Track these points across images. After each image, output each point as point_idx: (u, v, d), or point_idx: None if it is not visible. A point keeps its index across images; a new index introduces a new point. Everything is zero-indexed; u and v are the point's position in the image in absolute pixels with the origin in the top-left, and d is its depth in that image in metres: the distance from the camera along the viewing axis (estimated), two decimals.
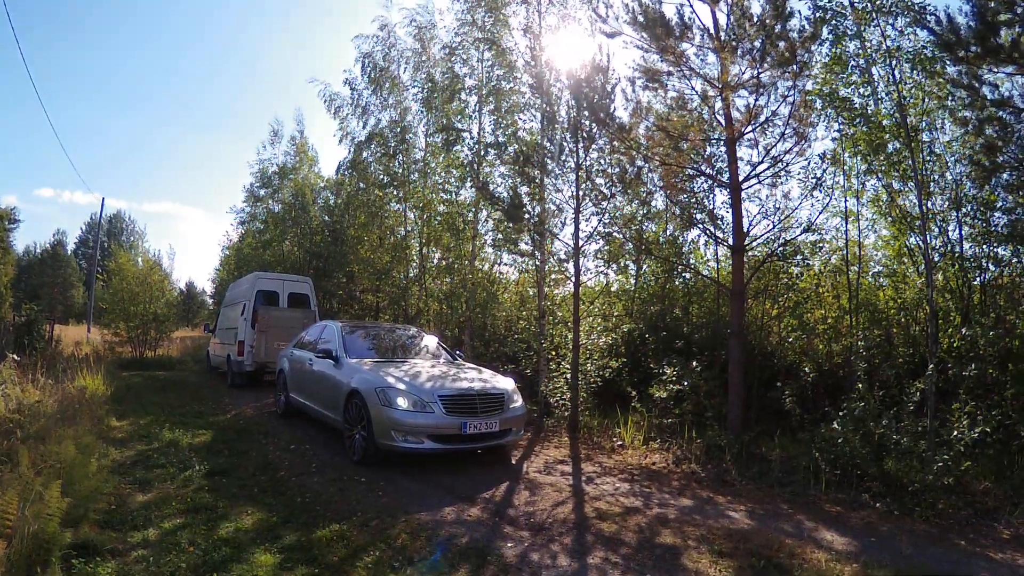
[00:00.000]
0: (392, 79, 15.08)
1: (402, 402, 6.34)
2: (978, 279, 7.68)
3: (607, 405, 9.52)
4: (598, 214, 9.14)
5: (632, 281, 11.92)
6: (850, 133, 7.92)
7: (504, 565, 4.02)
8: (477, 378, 7.22)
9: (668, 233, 11.10)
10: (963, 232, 7.70)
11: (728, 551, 4.32)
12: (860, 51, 7.48)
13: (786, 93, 7.21)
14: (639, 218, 10.44)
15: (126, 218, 64.99)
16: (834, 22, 7.37)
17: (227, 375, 14.21)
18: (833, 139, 8.19)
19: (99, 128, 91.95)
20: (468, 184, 13.01)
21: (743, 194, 7.83)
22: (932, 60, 6.89)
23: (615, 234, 9.68)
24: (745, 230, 7.82)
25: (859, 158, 8.31)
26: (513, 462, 7.05)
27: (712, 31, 7.48)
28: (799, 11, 7.07)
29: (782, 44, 6.87)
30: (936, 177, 7.79)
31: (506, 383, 7.33)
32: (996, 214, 7.41)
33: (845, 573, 4.01)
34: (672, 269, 10.72)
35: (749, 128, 7.49)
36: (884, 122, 7.60)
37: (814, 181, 7.83)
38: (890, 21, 7.16)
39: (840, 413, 6.22)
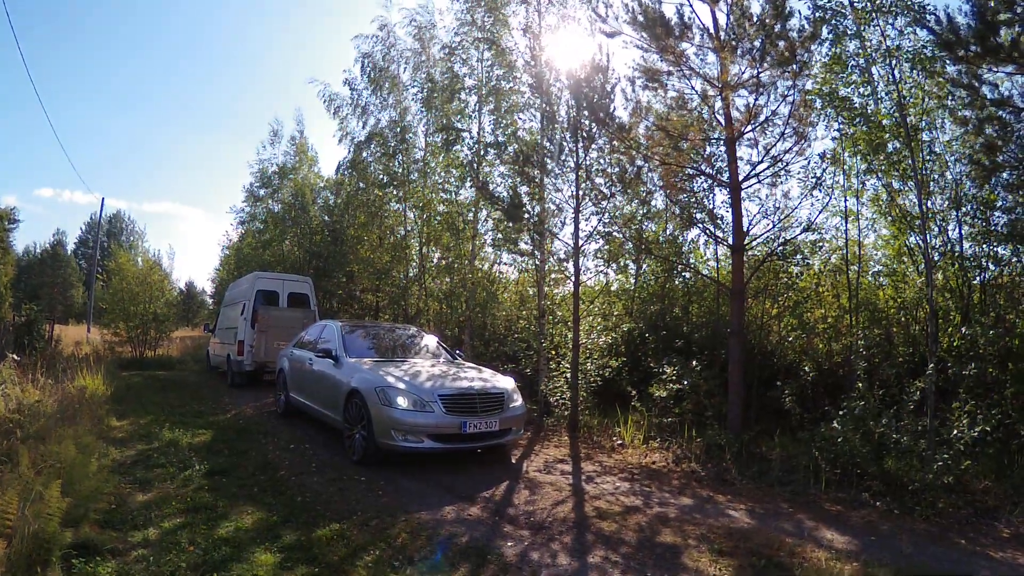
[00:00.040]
0: (392, 79, 15.09)
1: (402, 401, 6.34)
2: (978, 278, 7.69)
3: (607, 404, 9.53)
4: (598, 213, 9.16)
5: (632, 280, 11.92)
6: (850, 132, 7.92)
7: (504, 564, 4.02)
8: (477, 377, 7.22)
9: (668, 232, 11.10)
10: (963, 231, 7.70)
11: (728, 550, 4.32)
12: (860, 51, 7.49)
13: (786, 93, 7.21)
14: (639, 218, 10.44)
15: (126, 218, 64.97)
16: (834, 22, 7.38)
17: (227, 375, 14.21)
18: (833, 138, 8.21)
19: (99, 128, 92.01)
20: (468, 184, 13.02)
21: (743, 193, 7.84)
22: (932, 59, 6.89)
23: (615, 234, 9.69)
24: (745, 229, 7.82)
25: (859, 157, 8.31)
26: (513, 461, 7.05)
27: (712, 31, 7.48)
28: (799, 11, 7.12)
29: (782, 44, 6.87)
30: (936, 176, 7.79)
31: (506, 382, 7.33)
32: (996, 213, 7.41)
33: (845, 572, 4.01)
34: (672, 268, 10.73)
35: (749, 128, 7.49)
36: (884, 121, 7.60)
37: (814, 180, 7.84)
38: (890, 21, 7.17)
39: (840, 412, 6.22)
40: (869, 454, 5.84)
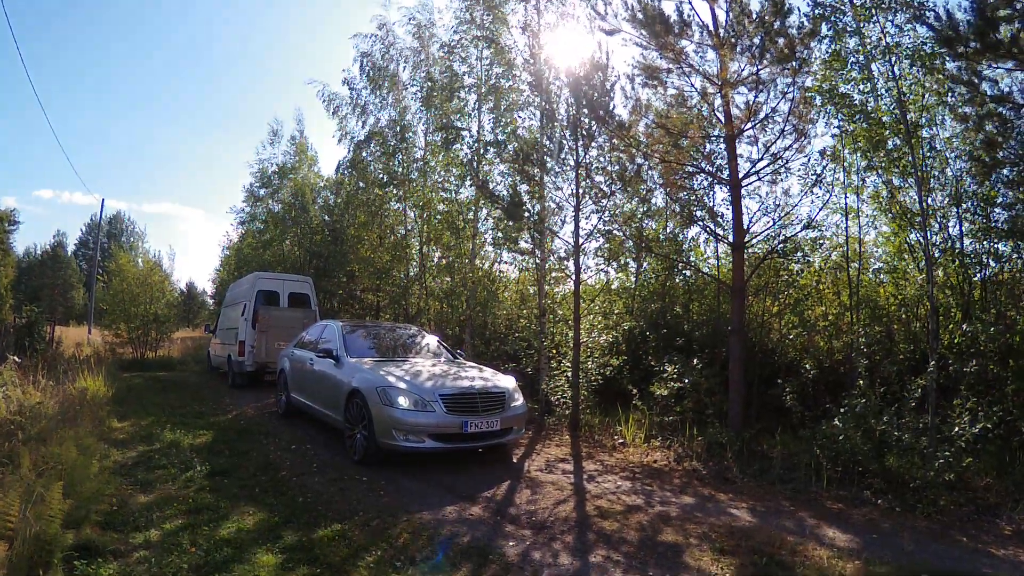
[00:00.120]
0: (391, 78, 15.08)
1: (403, 401, 6.34)
2: (978, 275, 7.68)
3: (608, 403, 9.52)
4: (598, 212, 9.16)
5: (632, 279, 11.92)
6: (850, 129, 7.91)
7: (506, 564, 4.02)
8: (478, 377, 7.22)
9: (668, 230, 11.09)
10: (963, 228, 7.69)
11: (730, 548, 4.32)
12: (859, 47, 7.48)
13: (786, 90, 7.20)
14: (639, 216, 10.44)
15: (126, 219, 64.87)
16: (833, 18, 7.37)
17: (228, 375, 14.21)
18: (833, 135, 8.21)
19: (98, 129, 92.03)
20: (468, 183, 13.02)
21: (743, 191, 7.83)
22: (931, 56, 6.88)
23: (615, 232, 9.68)
24: (745, 227, 7.82)
25: (859, 154, 8.30)
26: (514, 461, 7.05)
27: (711, 28, 7.47)
28: (798, 7, 7.05)
29: (781, 41, 6.86)
30: (936, 173, 7.78)
31: (507, 382, 7.32)
32: (996, 210, 7.40)
33: (847, 570, 4.01)
34: (672, 266, 10.73)
35: (749, 125, 7.48)
36: (884, 118, 7.59)
37: (814, 178, 7.83)
38: (889, 17, 7.16)
39: (841, 410, 6.22)
40: (870, 452, 5.83)
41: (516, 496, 5.61)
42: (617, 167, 8.69)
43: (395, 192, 15.19)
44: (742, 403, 7.60)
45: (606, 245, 10.25)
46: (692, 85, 7.89)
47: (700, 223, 9.03)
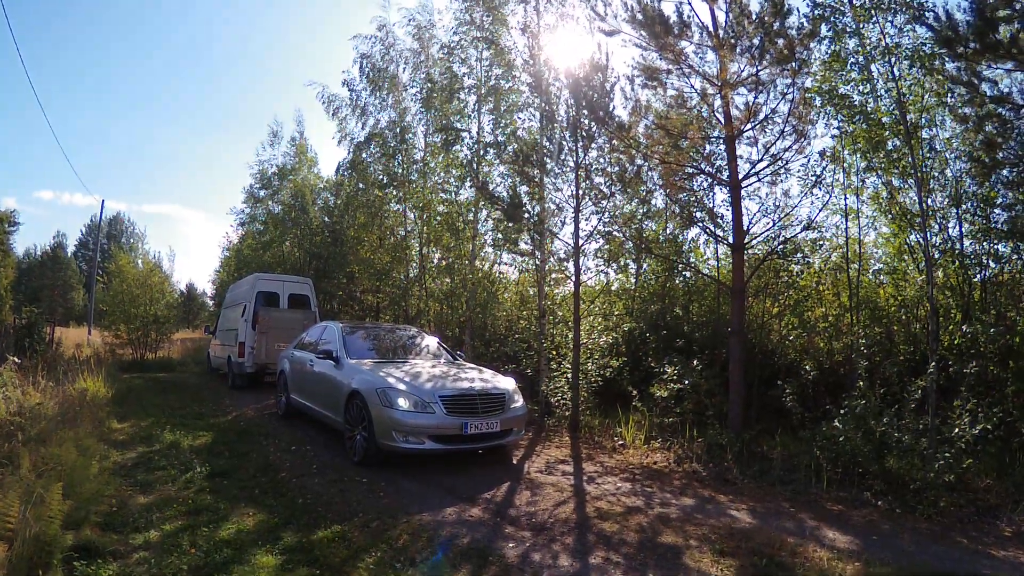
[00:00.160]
0: (391, 79, 15.08)
1: (403, 403, 6.34)
2: (978, 276, 7.68)
3: (608, 404, 9.52)
4: (598, 213, 9.16)
5: (632, 280, 11.92)
6: (849, 130, 7.92)
7: (506, 565, 4.01)
8: (478, 378, 7.21)
9: (668, 232, 11.10)
10: (963, 229, 7.70)
11: (730, 550, 4.31)
12: (859, 48, 7.48)
13: (785, 91, 7.21)
14: (639, 217, 10.44)
15: (126, 220, 64.90)
16: (833, 19, 7.37)
17: (228, 377, 14.21)
18: (833, 136, 8.22)
19: (98, 130, 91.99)
20: (468, 184, 13.03)
21: (743, 192, 7.83)
22: (931, 57, 6.88)
23: (615, 233, 9.68)
24: (745, 228, 7.82)
25: (859, 155, 8.31)
26: (514, 462, 7.05)
27: (711, 29, 7.47)
28: (798, 8, 7.07)
29: (781, 41, 6.86)
30: (936, 174, 7.79)
31: (507, 383, 7.32)
32: (996, 210, 7.40)
33: (847, 571, 4.01)
34: (672, 268, 10.72)
35: (748, 126, 7.48)
36: (883, 119, 7.60)
37: (814, 179, 7.85)
38: (889, 18, 7.16)
39: (841, 411, 6.21)
40: (870, 453, 5.83)
41: (516, 498, 5.60)
42: (617, 168, 8.69)
43: (395, 193, 15.19)
44: (742, 404, 7.60)
45: (606, 246, 10.24)
46: (692, 86, 7.90)
47: (700, 224, 9.04)
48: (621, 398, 9.19)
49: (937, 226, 7.79)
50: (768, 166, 7.61)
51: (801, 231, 8.15)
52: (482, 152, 12.25)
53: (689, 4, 7.49)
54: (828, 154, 7.96)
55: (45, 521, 3.67)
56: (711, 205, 9.25)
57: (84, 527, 4.21)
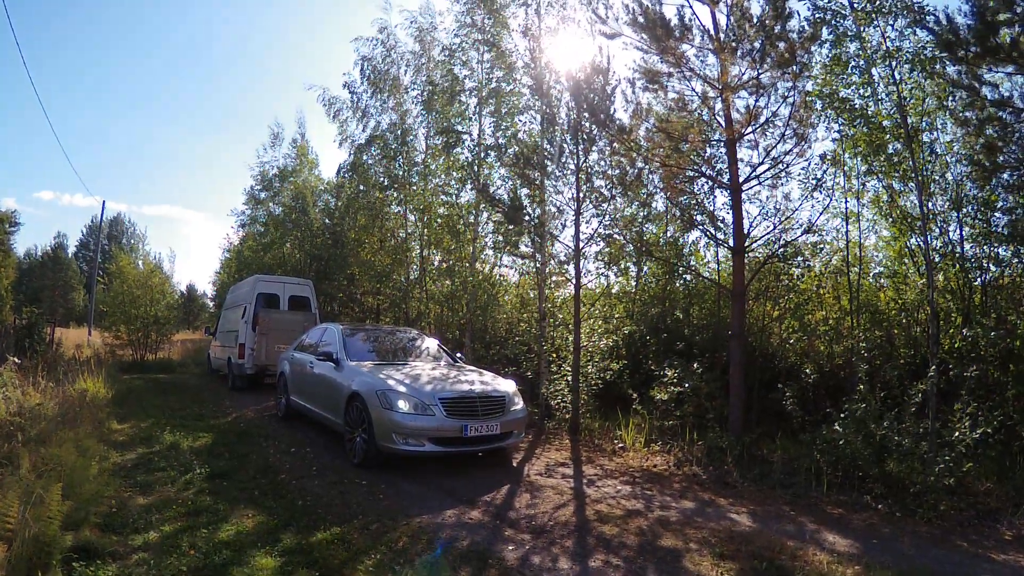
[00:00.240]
0: (392, 81, 15.11)
1: (403, 405, 6.34)
2: (979, 279, 7.68)
3: (608, 407, 9.52)
4: (598, 216, 9.14)
5: (633, 283, 11.92)
6: (850, 134, 7.92)
7: (505, 568, 4.01)
8: (478, 380, 7.21)
9: (669, 235, 11.09)
10: (964, 232, 7.70)
11: (730, 553, 4.31)
12: (860, 52, 7.49)
13: (786, 94, 7.22)
14: (639, 220, 10.45)
15: (126, 221, 64.93)
16: (834, 23, 7.37)
17: (228, 378, 14.22)
18: (833, 140, 8.21)
19: (99, 130, 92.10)
20: (468, 186, 13.04)
21: (743, 195, 7.84)
22: (932, 60, 6.89)
23: (616, 236, 9.69)
24: (746, 231, 7.82)
25: (859, 159, 8.32)
26: (514, 464, 7.04)
27: (712, 32, 7.49)
28: (798, 12, 7.09)
29: (782, 45, 6.88)
30: (936, 177, 7.78)
31: (507, 385, 7.32)
32: (996, 214, 7.40)
33: (847, 575, 4.00)
34: (673, 271, 10.72)
35: (749, 129, 7.49)
36: (884, 123, 7.60)
37: (814, 182, 7.85)
38: (890, 22, 7.17)
39: (841, 414, 6.21)
40: (871, 456, 5.82)
41: (516, 500, 5.59)
42: (618, 171, 8.70)
43: (396, 195, 15.20)
44: (742, 407, 7.60)
45: (606, 249, 10.25)
46: (693, 89, 7.91)
47: (700, 227, 9.03)
48: (621, 401, 9.18)
49: (938, 230, 7.79)
50: (769, 169, 7.62)
51: (802, 234, 8.15)
52: (483, 155, 12.27)
53: (690, 7, 7.50)
54: (829, 157, 7.97)
55: (44, 522, 3.67)
56: (712, 208, 9.24)
57: (83, 528, 4.21)
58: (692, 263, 10.93)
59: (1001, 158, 6.35)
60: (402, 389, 6.52)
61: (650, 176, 8.94)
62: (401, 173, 14.89)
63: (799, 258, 8.45)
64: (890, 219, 8.32)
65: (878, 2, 7.07)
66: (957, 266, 7.64)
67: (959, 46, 5.84)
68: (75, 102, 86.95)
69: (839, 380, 8.02)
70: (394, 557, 4.10)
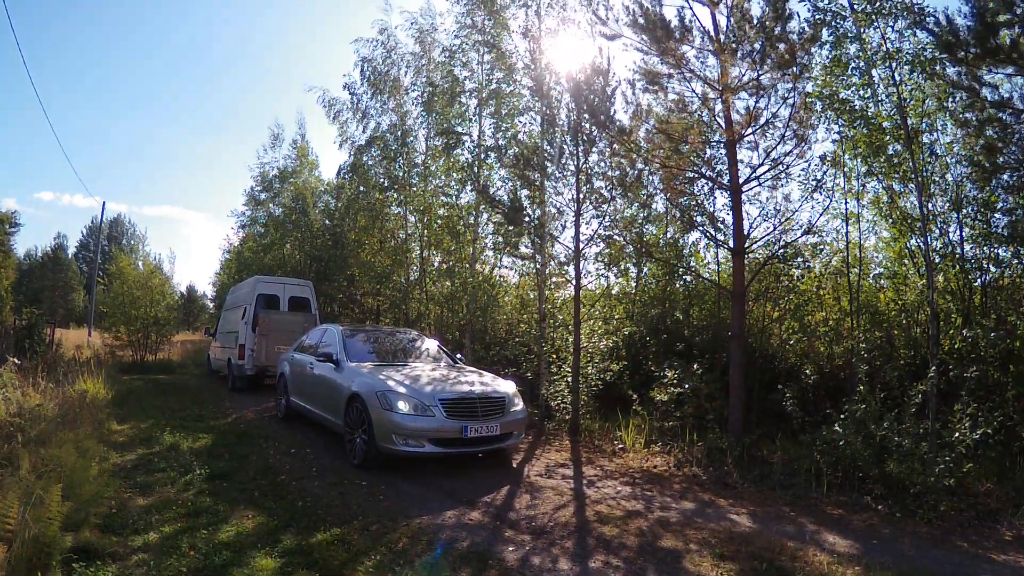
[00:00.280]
0: (392, 83, 15.12)
1: (403, 406, 6.33)
2: (979, 280, 7.68)
3: (608, 408, 9.52)
4: (598, 217, 9.15)
5: (633, 284, 11.93)
6: (850, 135, 7.92)
7: (505, 569, 4.01)
8: (478, 381, 7.21)
9: (669, 236, 11.10)
10: (964, 233, 7.70)
11: (730, 554, 4.31)
12: (860, 53, 7.49)
13: (786, 95, 7.22)
14: (639, 221, 10.45)
15: (126, 222, 64.94)
16: (834, 24, 7.38)
17: (228, 379, 14.22)
18: (833, 141, 8.21)
19: (99, 131, 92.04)
20: (468, 187, 13.04)
21: (743, 196, 7.84)
22: (932, 62, 6.89)
23: (616, 237, 9.68)
24: (745, 232, 7.82)
25: (859, 160, 8.32)
26: (514, 465, 7.04)
27: (712, 33, 7.50)
28: (798, 13, 7.08)
29: (782, 46, 6.88)
30: (936, 178, 7.78)
31: (507, 386, 7.32)
32: (996, 215, 7.40)
33: (847, 575, 4.01)
34: (673, 272, 10.73)
35: (749, 130, 7.50)
36: (884, 124, 7.60)
37: (814, 183, 7.86)
38: (890, 23, 7.17)
39: (841, 415, 6.21)
40: (871, 457, 5.82)
41: (516, 501, 5.59)
42: (618, 172, 8.71)
43: (396, 196, 15.20)
44: (742, 408, 7.60)
45: (606, 250, 10.25)
46: (693, 90, 7.92)
47: (700, 228, 9.04)
48: (621, 402, 9.18)
49: (938, 230, 7.79)
50: (769, 170, 7.62)
51: (802, 235, 8.15)
52: (483, 156, 12.28)
53: (690, 8, 7.51)
54: (829, 159, 7.97)
55: (44, 522, 3.67)
56: (712, 209, 9.25)
57: (83, 529, 4.21)
58: (692, 264, 10.94)
59: (1001, 159, 6.36)
60: (402, 390, 6.52)
61: (650, 177, 8.95)
62: (401, 174, 14.90)
63: (799, 259, 8.45)
64: (890, 220, 8.32)
65: (878, 3, 7.07)
66: (957, 267, 7.64)
67: (959, 47, 5.85)
68: (75, 102, 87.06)
69: (839, 381, 8.02)
70: (394, 558, 4.10)
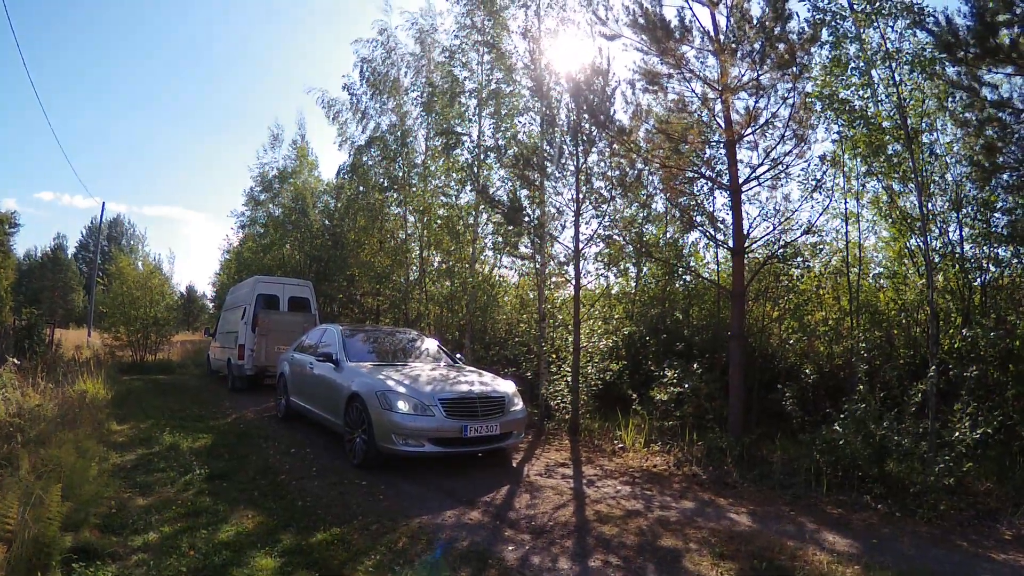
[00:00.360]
0: (392, 83, 15.12)
1: (403, 405, 6.33)
2: (979, 280, 7.68)
3: (608, 408, 9.52)
4: (598, 217, 9.15)
5: (632, 284, 11.93)
6: (850, 135, 7.92)
7: (505, 569, 4.01)
8: (478, 381, 7.21)
9: (668, 236, 11.10)
10: (963, 233, 7.70)
11: (729, 553, 4.31)
12: (860, 53, 7.49)
13: (786, 95, 7.22)
14: (639, 221, 10.44)
15: (126, 222, 64.96)
16: (834, 24, 7.37)
17: (227, 379, 14.21)
18: (833, 141, 8.20)
19: (99, 131, 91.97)
20: (468, 188, 13.04)
21: (743, 196, 7.84)
22: (932, 61, 6.89)
23: (615, 237, 9.68)
24: (745, 232, 7.82)
25: (859, 160, 8.31)
26: (514, 465, 7.04)
27: (712, 33, 7.50)
28: (798, 13, 7.08)
29: (782, 46, 6.89)
30: (936, 178, 7.79)
31: (507, 386, 7.32)
32: (996, 215, 7.41)
33: (847, 575, 4.00)
34: (672, 272, 10.73)
35: (749, 130, 7.50)
36: (884, 124, 7.60)
37: (814, 183, 7.86)
38: (890, 23, 7.17)
39: (841, 415, 6.21)
40: (870, 456, 5.82)
41: (515, 500, 5.59)
42: (617, 172, 8.71)
43: (395, 196, 15.20)
44: (742, 408, 7.60)
45: (606, 250, 10.25)
46: (692, 90, 7.92)
47: (700, 228, 9.04)
48: (621, 402, 9.19)
49: (937, 230, 7.79)
50: (768, 170, 7.63)
51: (801, 235, 8.16)
52: (483, 156, 12.28)
53: (690, 9, 7.51)
54: (828, 158, 7.97)
55: (44, 523, 3.67)
56: (711, 209, 9.26)
57: (83, 529, 4.21)
58: (692, 264, 10.94)
59: (1001, 159, 6.36)
60: (402, 390, 6.52)
61: (650, 177, 8.95)
62: (401, 174, 14.90)
63: (799, 259, 8.45)
64: (890, 220, 8.32)
65: (878, 3, 7.07)
66: (957, 266, 7.65)
67: (959, 47, 5.85)
68: (75, 102, 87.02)
69: (839, 380, 8.03)
70: (394, 558, 4.10)
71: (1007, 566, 4.27)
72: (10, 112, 78.80)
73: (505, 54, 11.51)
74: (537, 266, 10.19)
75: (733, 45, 7.18)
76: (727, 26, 7.34)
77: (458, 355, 9.16)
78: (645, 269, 11.58)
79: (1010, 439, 6.07)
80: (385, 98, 15.30)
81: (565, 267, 9.93)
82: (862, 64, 7.54)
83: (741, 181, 7.74)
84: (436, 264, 14.82)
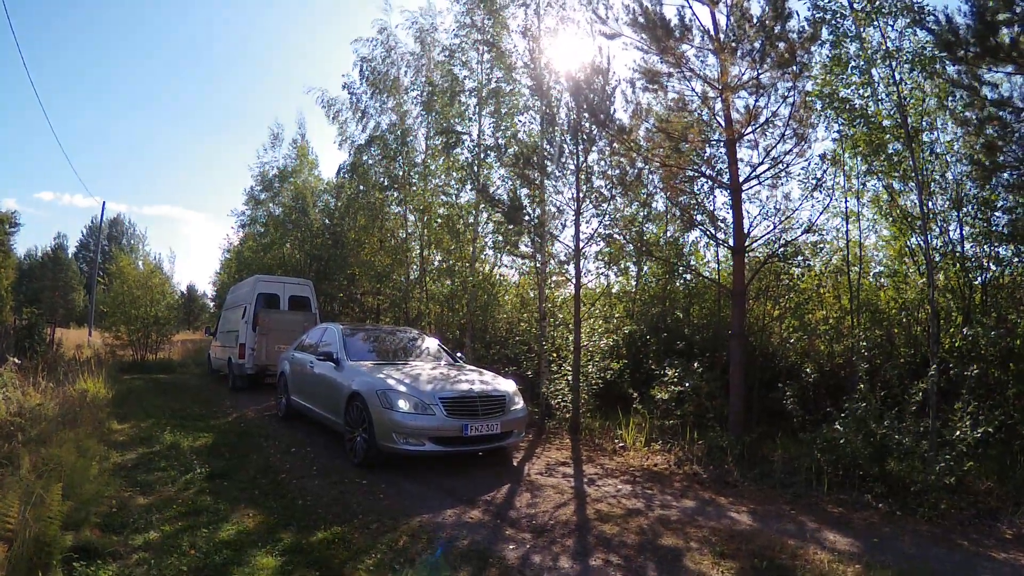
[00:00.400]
0: (392, 82, 15.13)
1: (403, 404, 6.34)
2: (979, 279, 7.68)
3: (608, 407, 9.52)
4: (598, 216, 9.15)
5: (633, 283, 11.93)
6: (850, 134, 7.91)
7: (506, 567, 4.01)
8: (478, 380, 7.21)
9: (669, 235, 11.10)
10: (964, 232, 7.70)
11: (730, 552, 4.31)
12: (860, 52, 7.48)
13: (786, 94, 7.22)
14: (640, 220, 10.45)
15: (126, 221, 64.88)
16: (834, 23, 7.36)
17: (228, 378, 14.22)
18: (833, 140, 8.20)
19: (99, 131, 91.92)
20: (468, 187, 13.06)
21: (743, 195, 7.84)
22: (932, 60, 6.88)
23: (616, 236, 9.69)
24: (746, 231, 7.82)
25: (859, 159, 8.31)
26: (514, 464, 7.04)
27: (712, 32, 7.49)
28: (798, 12, 7.08)
29: (782, 45, 6.88)
30: (937, 177, 7.77)
31: (507, 385, 7.32)
32: (997, 213, 7.40)
33: (848, 574, 4.01)
34: (673, 270, 10.72)
35: (749, 129, 7.50)
36: (884, 122, 7.59)
37: (814, 182, 7.85)
38: (890, 22, 7.15)
39: (842, 414, 6.21)
40: (871, 455, 5.82)
41: (516, 499, 5.60)
42: (618, 171, 8.71)
43: (395, 196, 15.21)
44: (743, 407, 7.60)
45: (606, 249, 10.26)
46: (693, 89, 7.91)
47: (700, 227, 9.03)
48: (622, 400, 9.18)
49: (938, 229, 7.79)
50: (769, 169, 7.62)
51: (802, 234, 8.16)
52: (483, 155, 12.28)
53: (690, 8, 7.50)
54: (829, 157, 7.97)
55: (45, 522, 3.67)
56: (712, 208, 9.25)
57: (84, 528, 4.21)
58: (692, 263, 10.94)
59: (1001, 157, 6.35)
60: (402, 389, 6.53)
61: (650, 176, 8.95)
62: (401, 173, 14.90)
63: (799, 258, 8.45)
64: (890, 218, 8.32)
65: (878, 2, 7.05)
66: (957, 265, 7.64)
67: (959, 46, 5.84)
68: (75, 102, 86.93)
69: (839, 379, 8.02)
70: (394, 556, 4.10)
71: (1008, 565, 4.27)
72: (10, 112, 78.89)
73: (505, 53, 11.52)
74: (537, 265, 10.19)
75: (733, 44, 7.17)
76: (727, 25, 7.34)
77: (459, 354, 9.16)
78: (645, 268, 11.58)
79: (1011, 438, 6.06)
80: (385, 97, 15.31)
81: (565, 266, 9.94)
82: (862, 63, 7.53)
83: (741, 180, 7.74)
84: (436, 263, 14.82)
